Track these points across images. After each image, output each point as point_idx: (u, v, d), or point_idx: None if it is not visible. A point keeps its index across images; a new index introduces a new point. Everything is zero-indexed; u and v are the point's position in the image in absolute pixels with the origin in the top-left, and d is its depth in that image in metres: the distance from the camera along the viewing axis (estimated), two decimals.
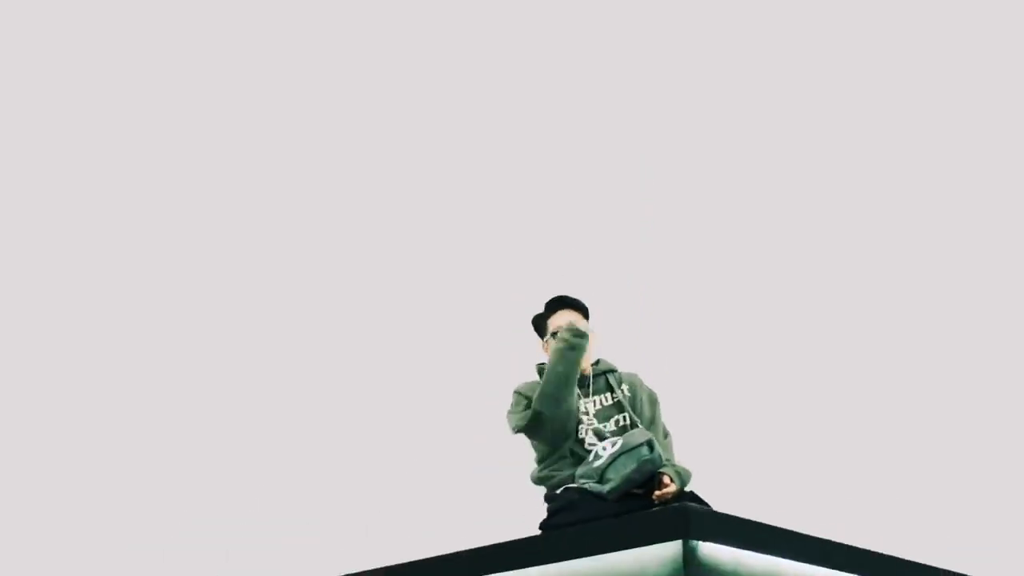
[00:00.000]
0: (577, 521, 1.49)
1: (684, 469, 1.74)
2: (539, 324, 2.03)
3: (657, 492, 1.54)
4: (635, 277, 4.95)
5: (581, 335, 1.84)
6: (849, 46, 5.04)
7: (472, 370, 4.89)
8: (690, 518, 1.15)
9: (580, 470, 1.66)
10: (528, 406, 1.80)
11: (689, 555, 1.13)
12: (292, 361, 5.64)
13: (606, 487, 1.59)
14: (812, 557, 1.34)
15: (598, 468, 1.63)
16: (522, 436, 1.94)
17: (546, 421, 1.73)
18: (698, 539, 1.10)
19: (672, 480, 1.59)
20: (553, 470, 1.72)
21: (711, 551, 1.18)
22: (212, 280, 5.97)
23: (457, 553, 1.59)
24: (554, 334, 1.90)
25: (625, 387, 1.90)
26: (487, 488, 4.47)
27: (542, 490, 1.89)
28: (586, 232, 5.44)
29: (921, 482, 4.19)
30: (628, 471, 1.56)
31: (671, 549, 1.16)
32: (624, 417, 1.80)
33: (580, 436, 1.76)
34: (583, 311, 2.00)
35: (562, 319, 1.93)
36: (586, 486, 1.61)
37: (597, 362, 1.98)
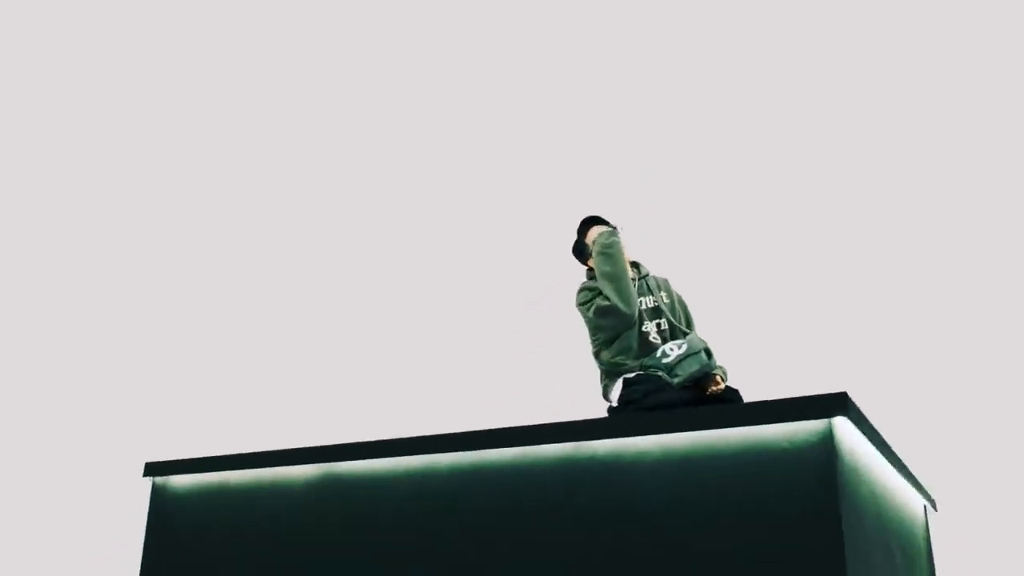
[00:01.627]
0: (667, 401, 1.80)
1: (725, 370, 2.06)
2: (579, 249, 2.30)
3: (712, 388, 1.91)
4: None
5: (612, 233, 2.13)
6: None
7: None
8: (846, 402, 1.36)
9: (648, 361, 1.96)
10: (598, 295, 2.06)
11: (833, 430, 1.36)
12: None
13: (675, 380, 1.89)
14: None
15: (667, 364, 2.04)
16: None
17: (618, 312, 2.00)
18: (844, 416, 1.36)
19: (722, 379, 1.97)
20: (623, 358, 1.99)
21: (843, 428, 1.42)
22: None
23: (624, 417, 1.84)
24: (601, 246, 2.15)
25: (663, 294, 2.17)
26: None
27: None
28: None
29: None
30: (693, 371, 1.91)
31: (822, 425, 1.37)
32: (664, 322, 2.08)
33: (644, 330, 2.06)
34: (607, 224, 2.27)
35: (594, 233, 2.24)
36: (660, 374, 1.94)
37: (636, 265, 2.22)
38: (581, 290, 2.16)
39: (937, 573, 2.73)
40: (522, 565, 1.59)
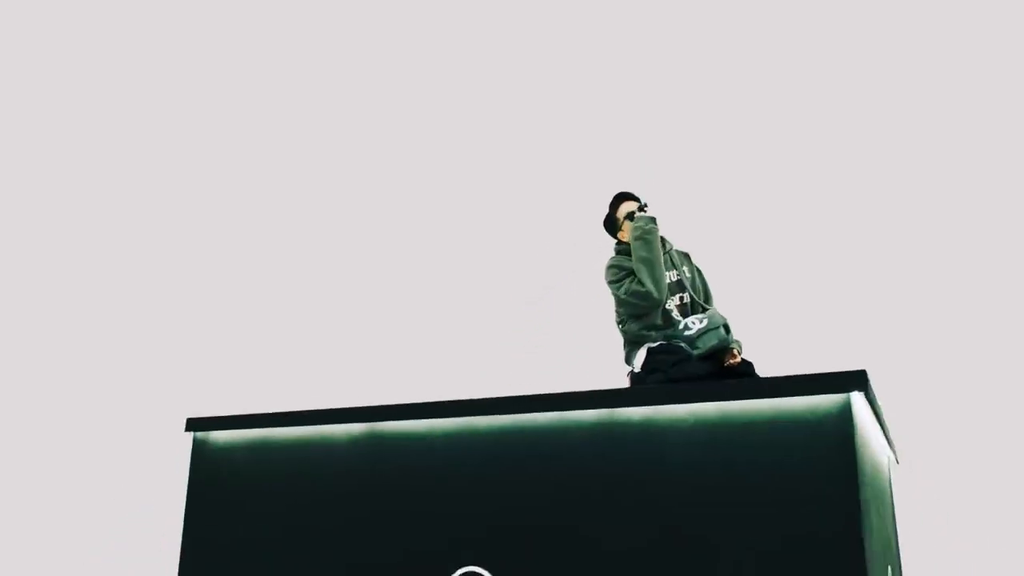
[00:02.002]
0: (691, 372, 1.92)
1: (740, 344, 2.17)
2: (610, 222, 2.42)
3: (729, 361, 2.04)
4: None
5: (651, 220, 2.24)
6: None
7: None
8: (865, 378, 1.51)
9: (671, 333, 2.09)
10: (628, 274, 2.20)
11: (851, 404, 1.52)
12: None
13: (695, 352, 2.05)
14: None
15: (689, 337, 2.17)
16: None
17: (650, 297, 2.13)
18: (860, 391, 1.51)
19: (738, 353, 2.20)
20: (649, 330, 2.13)
21: (859, 402, 1.57)
22: None
23: (661, 388, 1.91)
24: (629, 216, 2.31)
25: (685, 268, 2.29)
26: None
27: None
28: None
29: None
30: (712, 344, 2.03)
31: (842, 398, 1.52)
32: (685, 296, 2.22)
33: (666, 307, 2.19)
34: (638, 200, 2.38)
35: (624, 208, 2.36)
36: (682, 345, 2.07)
37: (662, 240, 2.32)
38: (611, 266, 2.28)
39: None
40: (555, 524, 1.75)
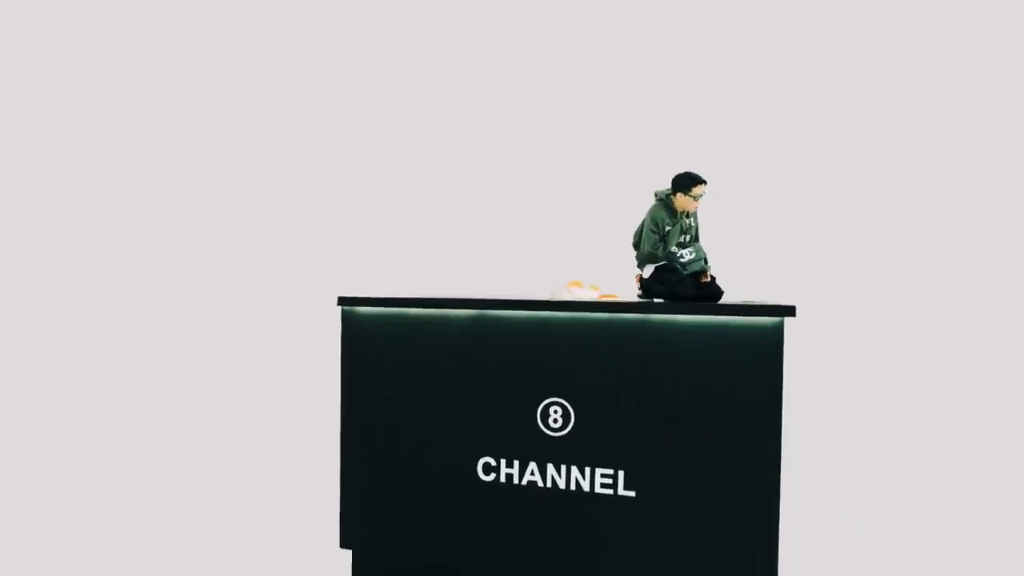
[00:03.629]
0: (687, 287, 3.12)
1: (710, 267, 3.33)
2: (679, 183, 3.22)
3: (703, 280, 3.40)
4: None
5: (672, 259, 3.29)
6: None
7: None
8: (794, 310, 2.70)
9: (672, 258, 3.21)
10: (661, 238, 3.21)
11: (783, 324, 2.72)
12: None
13: (685, 271, 3.41)
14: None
15: (683, 263, 3.40)
16: None
17: (658, 257, 3.25)
18: (785, 316, 2.77)
19: (711, 276, 3.48)
20: (659, 255, 3.22)
21: (789, 323, 2.78)
22: None
23: (670, 304, 2.89)
24: (692, 196, 3.20)
25: (691, 220, 3.34)
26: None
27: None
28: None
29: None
30: (695, 269, 3.32)
31: (778, 320, 2.71)
32: (686, 237, 3.29)
33: (672, 248, 3.32)
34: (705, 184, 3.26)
35: (698, 191, 3.20)
36: (678, 267, 3.37)
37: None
38: (653, 217, 3.24)
39: None
40: (600, 377, 3.01)
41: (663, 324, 2.92)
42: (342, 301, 3.36)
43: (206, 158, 6.97)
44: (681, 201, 3.22)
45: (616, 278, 3.95)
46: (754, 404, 2.77)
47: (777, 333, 2.78)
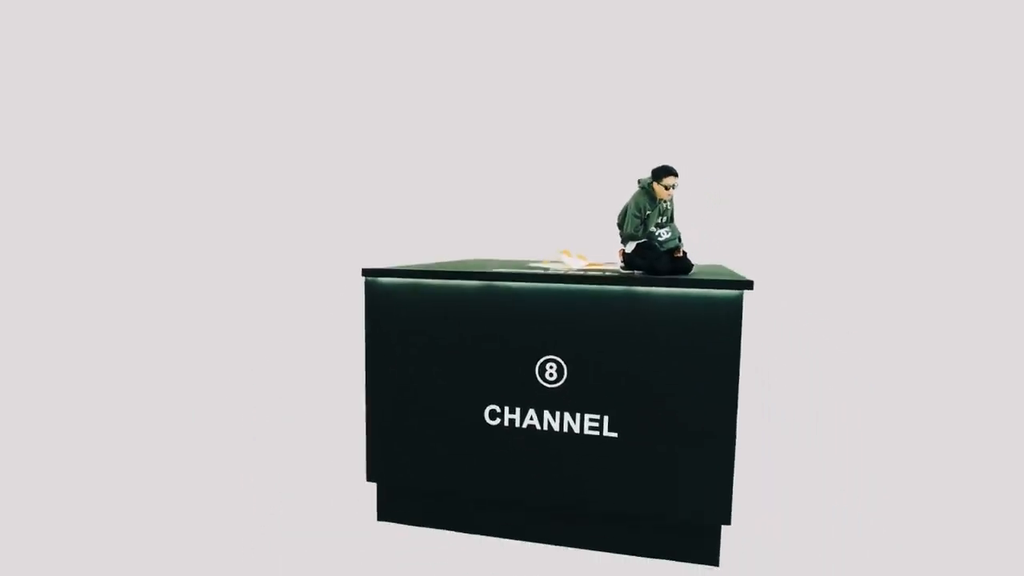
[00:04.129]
0: (664, 263, 3.73)
1: (683, 244, 3.86)
2: (656, 174, 3.72)
3: (676, 255, 4.00)
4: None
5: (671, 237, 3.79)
6: None
7: None
8: (752, 284, 3.28)
9: (650, 237, 3.92)
10: (643, 222, 3.72)
11: (743, 296, 3.30)
12: None
13: (662, 248, 3.96)
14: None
15: (660, 241, 3.94)
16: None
17: (639, 237, 3.77)
18: (744, 289, 3.39)
19: (683, 252, 4.05)
20: (641, 235, 3.79)
21: (748, 295, 3.41)
22: None
23: (650, 277, 3.47)
24: (665, 186, 3.68)
25: (670, 203, 3.89)
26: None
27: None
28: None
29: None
30: (671, 245, 3.91)
31: (736, 293, 3.28)
32: (664, 219, 3.81)
33: (651, 228, 4.02)
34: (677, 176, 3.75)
35: (669, 181, 3.69)
36: (656, 244, 3.95)
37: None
38: (636, 202, 3.71)
39: None
40: (590, 342, 3.60)
41: (642, 294, 3.50)
42: (366, 272, 3.88)
43: (234, 146, 7.43)
44: (658, 189, 3.76)
45: (602, 248, 4.52)
46: (716, 362, 3.38)
47: (737, 303, 3.37)
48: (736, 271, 4.31)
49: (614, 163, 6.35)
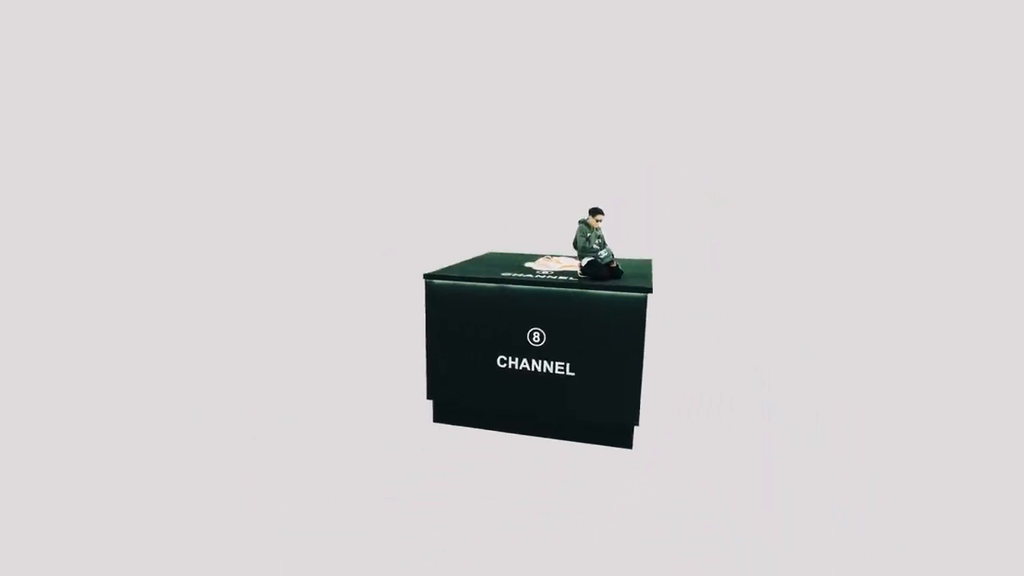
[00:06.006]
0: (604, 272, 6.38)
1: (614, 257, 6.61)
2: (592, 212, 6.22)
3: (611, 266, 6.56)
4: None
5: (596, 254, 6.45)
6: None
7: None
8: (649, 289, 5.85)
9: (595, 252, 6.43)
10: (588, 241, 6.43)
11: (647, 298, 5.84)
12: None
13: (602, 263, 6.45)
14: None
15: (602, 258, 6.43)
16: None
17: (587, 256, 6.48)
18: (647, 293, 5.94)
19: (616, 265, 6.60)
20: (590, 253, 6.41)
21: (650, 298, 6.06)
22: None
23: (590, 282, 6.41)
24: (597, 220, 6.20)
25: (598, 231, 6.66)
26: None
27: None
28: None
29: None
30: (607, 260, 6.40)
31: (641, 296, 5.79)
32: (600, 240, 6.34)
33: (595, 247, 6.57)
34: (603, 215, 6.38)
35: (597, 218, 6.20)
36: (597, 260, 6.49)
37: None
38: (581, 230, 6.35)
39: None
40: (560, 320, 6.16)
41: (588, 294, 6.12)
42: (427, 276, 6.52)
43: (260, 152, 7.49)
44: (591, 221, 6.34)
45: (569, 251, 7.01)
46: (630, 334, 6.03)
47: (642, 302, 5.99)
48: (652, 274, 6.87)
49: (615, 163, 7.39)
